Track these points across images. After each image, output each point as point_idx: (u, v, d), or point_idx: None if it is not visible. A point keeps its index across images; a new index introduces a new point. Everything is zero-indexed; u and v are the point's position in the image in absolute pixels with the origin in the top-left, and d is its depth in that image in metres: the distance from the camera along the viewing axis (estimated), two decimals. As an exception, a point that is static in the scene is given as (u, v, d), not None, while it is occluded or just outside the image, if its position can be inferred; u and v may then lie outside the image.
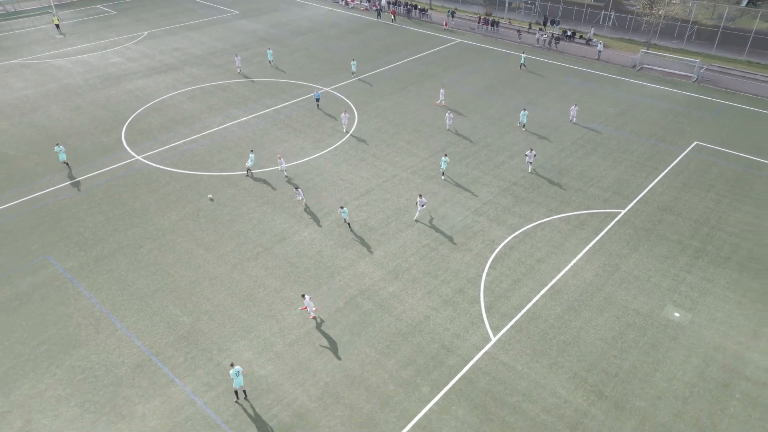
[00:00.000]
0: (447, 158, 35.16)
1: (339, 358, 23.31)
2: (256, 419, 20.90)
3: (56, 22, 62.81)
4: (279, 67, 53.14)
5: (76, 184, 35.01)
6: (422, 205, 31.22)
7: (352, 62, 51.47)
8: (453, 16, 68.25)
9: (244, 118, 43.44)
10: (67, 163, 36.80)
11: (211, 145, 39.57)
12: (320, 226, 31.27)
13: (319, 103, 45.44)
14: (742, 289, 27.01)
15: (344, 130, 41.23)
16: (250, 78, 50.74)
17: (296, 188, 32.58)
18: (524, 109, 42.06)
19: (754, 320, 25.21)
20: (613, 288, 27.12)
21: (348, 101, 46.53)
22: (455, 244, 30.01)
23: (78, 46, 58.26)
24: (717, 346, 24.00)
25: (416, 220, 31.76)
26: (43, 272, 27.93)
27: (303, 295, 24.84)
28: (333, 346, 23.89)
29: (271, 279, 27.51)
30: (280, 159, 35.54)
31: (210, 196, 33.07)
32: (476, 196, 34.08)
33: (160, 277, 27.60)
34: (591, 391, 22.08)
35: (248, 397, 21.59)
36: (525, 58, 54.05)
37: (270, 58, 52.84)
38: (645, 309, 25.90)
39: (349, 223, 31.31)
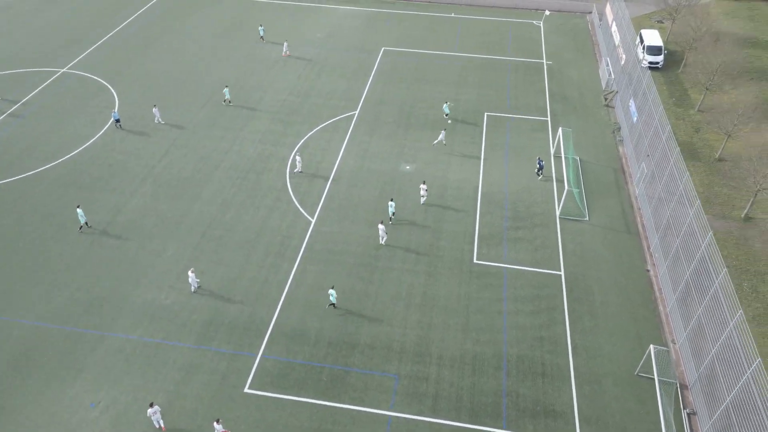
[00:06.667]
0: None
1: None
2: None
3: None
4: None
5: None
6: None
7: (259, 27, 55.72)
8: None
9: None
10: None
11: None
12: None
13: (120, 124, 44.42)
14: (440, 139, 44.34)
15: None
16: None
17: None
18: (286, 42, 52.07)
19: (452, 160, 42.63)
20: (370, 163, 41.80)
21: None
22: (261, 170, 40.89)
23: None
24: (433, 176, 40.79)
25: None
26: None
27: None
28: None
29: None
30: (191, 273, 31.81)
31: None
32: (254, 127, 44.61)
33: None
34: (374, 222, 36.79)
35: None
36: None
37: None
38: (388, 169, 41.30)
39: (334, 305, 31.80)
